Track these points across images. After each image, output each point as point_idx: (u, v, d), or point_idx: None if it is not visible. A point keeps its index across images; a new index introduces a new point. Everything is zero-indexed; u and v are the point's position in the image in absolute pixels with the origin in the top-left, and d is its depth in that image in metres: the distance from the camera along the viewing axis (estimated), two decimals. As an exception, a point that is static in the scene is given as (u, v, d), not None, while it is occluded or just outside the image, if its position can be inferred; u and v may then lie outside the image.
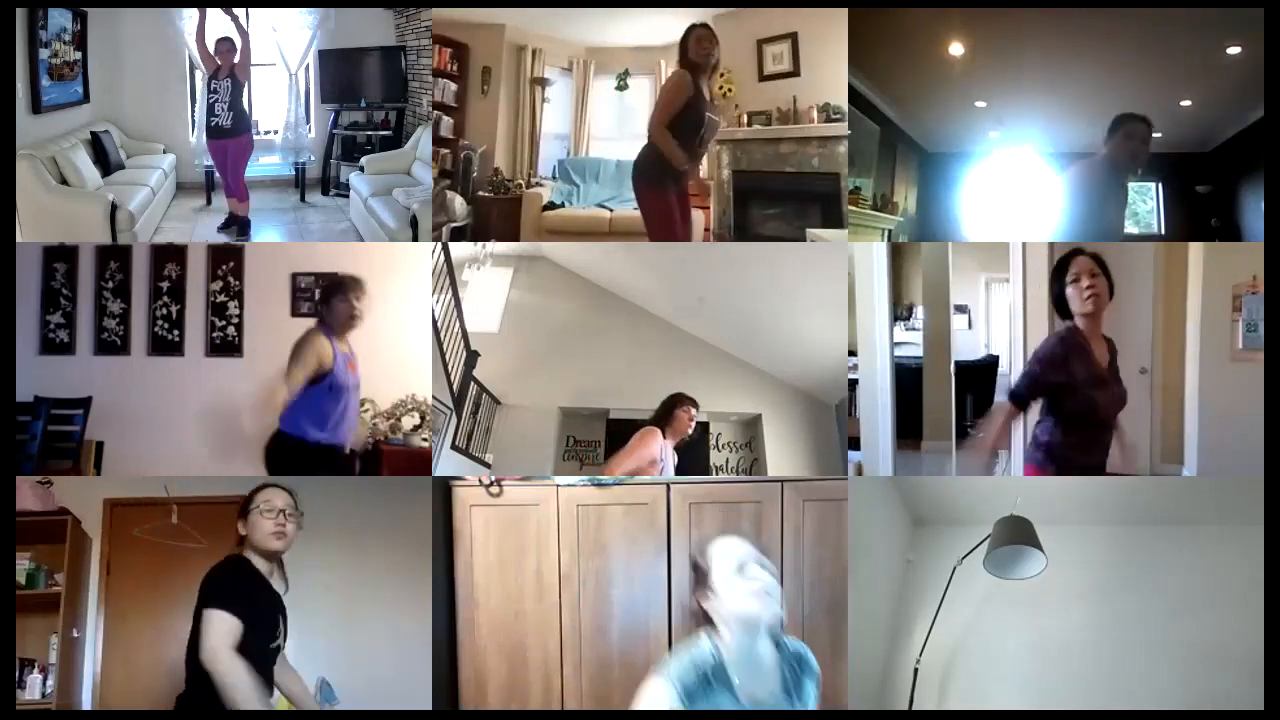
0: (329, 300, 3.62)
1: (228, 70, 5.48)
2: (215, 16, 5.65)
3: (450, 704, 3.66)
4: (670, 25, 6.87)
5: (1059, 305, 3.00)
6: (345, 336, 3.65)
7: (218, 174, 5.91)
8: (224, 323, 5.16)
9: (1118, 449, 3.01)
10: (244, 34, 5.67)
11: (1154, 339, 5.15)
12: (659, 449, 3.91)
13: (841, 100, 5.51)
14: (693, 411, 4.06)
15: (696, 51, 4.11)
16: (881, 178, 6.61)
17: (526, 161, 7.32)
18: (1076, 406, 2.87)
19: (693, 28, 4.15)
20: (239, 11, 5.68)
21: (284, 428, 3.56)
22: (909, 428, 5.76)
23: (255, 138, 5.97)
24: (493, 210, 6.53)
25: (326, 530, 4.13)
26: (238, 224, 5.66)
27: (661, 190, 4.30)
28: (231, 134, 5.55)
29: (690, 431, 4.07)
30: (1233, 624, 3.23)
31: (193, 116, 6.85)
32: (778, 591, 2.04)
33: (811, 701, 2.13)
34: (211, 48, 5.52)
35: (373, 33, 6.86)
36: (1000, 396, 6.99)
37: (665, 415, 4.03)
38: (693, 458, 7.07)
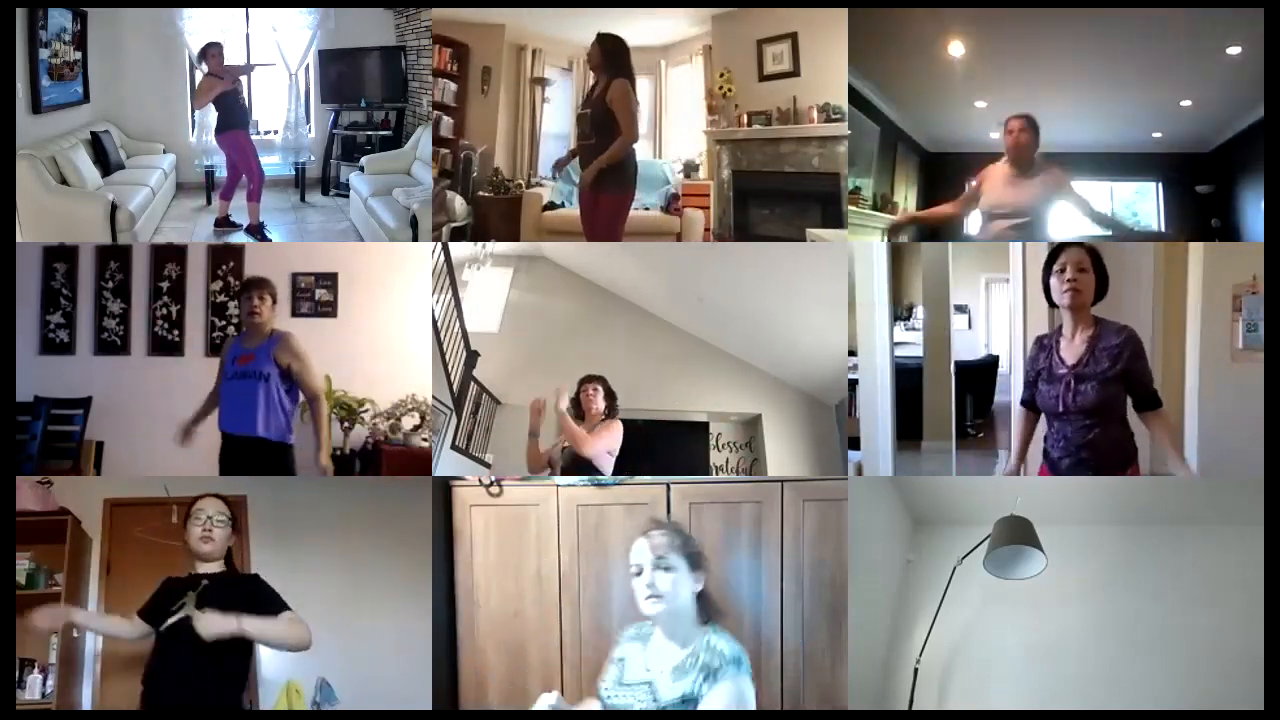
0: (239, 301, 3.90)
1: (231, 80, 5.55)
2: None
3: (450, 704, 3.66)
4: (671, 25, 6.88)
5: (1046, 294, 2.99)
6: (257, 333, 3.71)
7: (224, 171, 5.90)
8: (224, 323, 5.15)
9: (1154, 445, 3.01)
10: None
11: (1154, 339, 5.14)
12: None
13: (841, 100, 5.50)
14: (590, 390, 4.03)
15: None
16: (881, 178, 6.60)
17: (526, 161, 7.30)
18: (1044, 403, 2.95)
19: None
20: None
21: (221, 426, 3.69)
22: (909, 428, 5.76)
23: (255, 138, 5.99)
24: (493, 210, 6.52)
25: (327, 530, 4.16)
26: (257, 232, 5.64)
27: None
28: (241, 125, 5.63)
29: (602, 408, 4.02)
30: (1233, 624, 3.22)
31: (192, 117, 6.85)
32: (672, 592, 2.31)
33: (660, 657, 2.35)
34: (196, 55, 5.59)
35: (373, 33, 6.85)
36: (1000, 396, 7.00)
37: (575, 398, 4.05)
38: (694, 458, 7.11)
